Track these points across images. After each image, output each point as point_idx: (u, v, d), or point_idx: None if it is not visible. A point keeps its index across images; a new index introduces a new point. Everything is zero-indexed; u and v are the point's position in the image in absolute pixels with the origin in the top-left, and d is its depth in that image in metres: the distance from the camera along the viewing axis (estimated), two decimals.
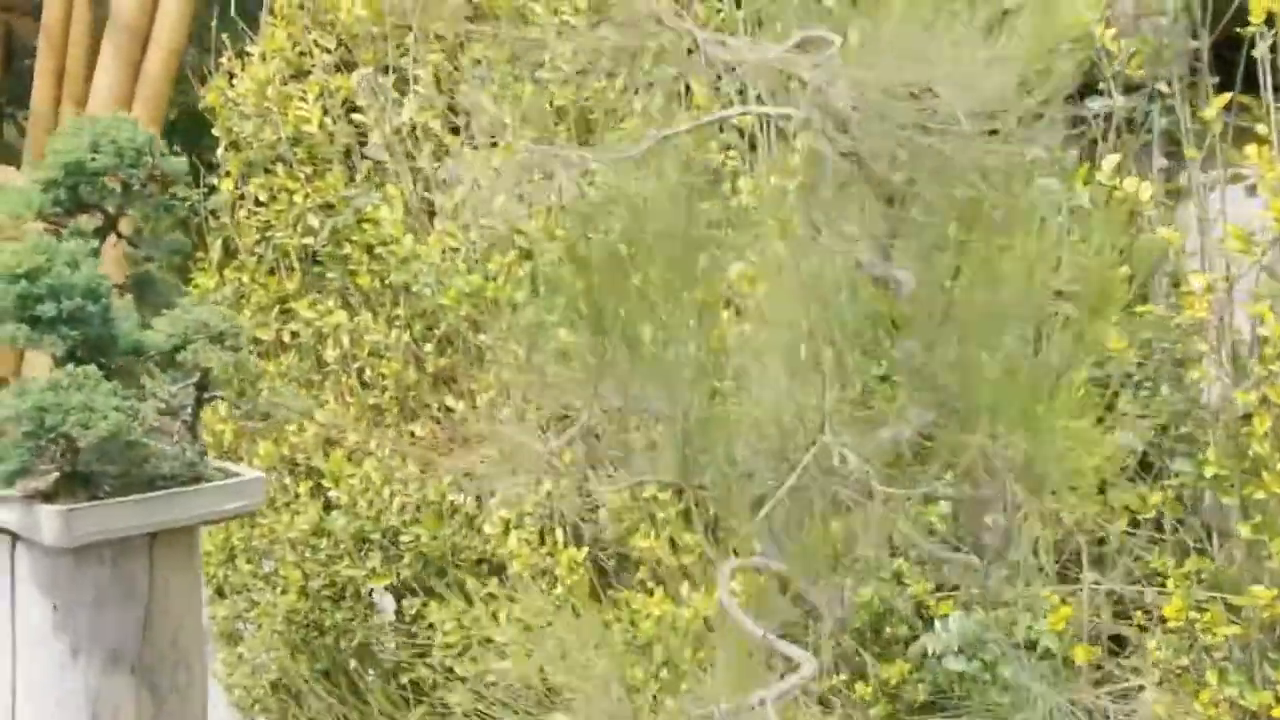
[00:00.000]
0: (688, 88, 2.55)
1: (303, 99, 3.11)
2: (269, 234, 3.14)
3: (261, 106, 3.13)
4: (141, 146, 2.20)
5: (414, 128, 2.85)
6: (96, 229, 2.34)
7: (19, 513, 2.04)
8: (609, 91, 2.62)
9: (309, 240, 3.00)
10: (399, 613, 2.92)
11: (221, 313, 2.03)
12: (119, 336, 2.07)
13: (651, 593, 2.51)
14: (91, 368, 1.91)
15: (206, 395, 2.20)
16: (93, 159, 2.17)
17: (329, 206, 3.02)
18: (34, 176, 2.18)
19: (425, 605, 2.84)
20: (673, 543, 2.49)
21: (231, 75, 3.28)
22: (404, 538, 2.83)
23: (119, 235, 2.31)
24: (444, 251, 2.77)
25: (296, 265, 3.06)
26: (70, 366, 1.89)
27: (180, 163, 2.29)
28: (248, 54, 3.27)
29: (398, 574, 2.87)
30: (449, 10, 2.80)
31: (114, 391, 1.90)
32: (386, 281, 2.86)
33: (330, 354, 2.91)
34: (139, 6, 5.50)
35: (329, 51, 2.99)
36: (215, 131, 3.26)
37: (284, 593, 3.08)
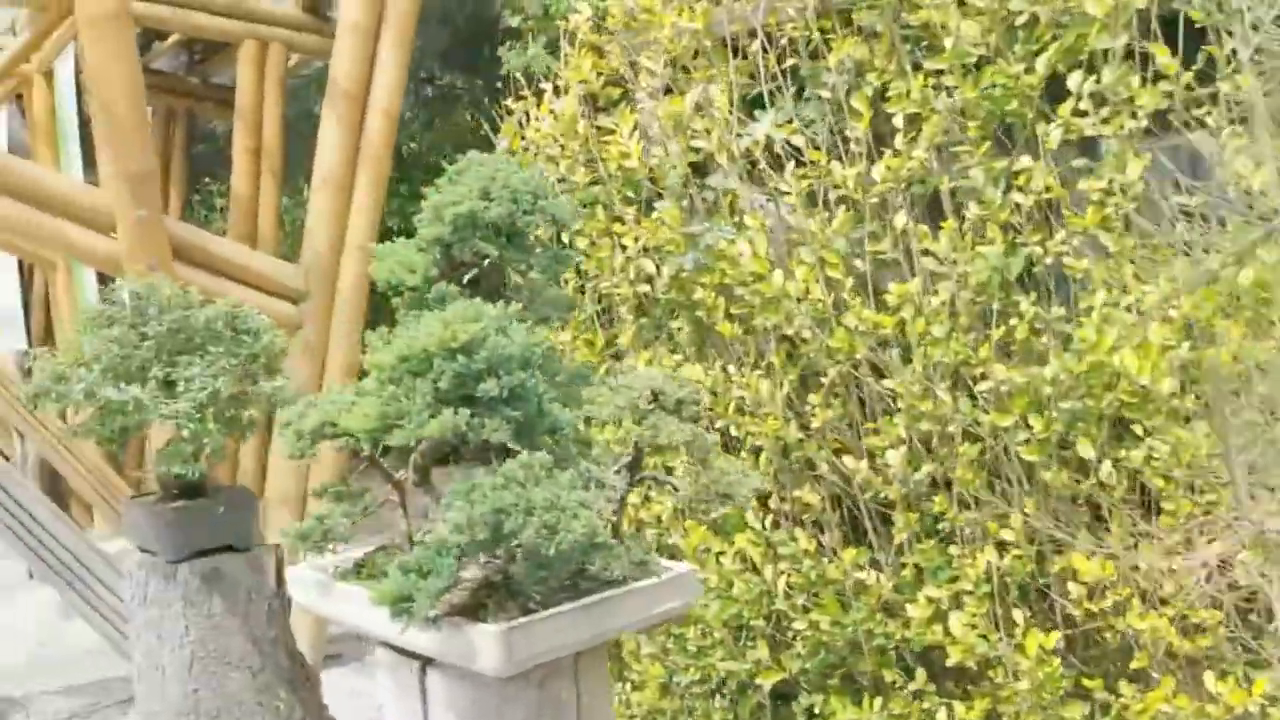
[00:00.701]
0: (1144, 59, 2.09)
1: (611, 132, 2.77)
2: (590, 283, 2.79)
3: (570, 146, 2.80)
4: (536, 189, 1.86)
5: (769, 146, 2.46)
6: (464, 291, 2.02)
7: (444, 634, 1.70)
8: (1029, 77, 2.17)
9: (645, 287, 2.63)
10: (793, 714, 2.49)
11: (675, 377, 1.65)
12: (545, 415, 1.72)
13: (1150, 685, 2.01)
14: (544, 455, 1.55)
15: (637, 477, 1.83)
16: (486, 207, 1.84)
17: (658, 248, 2.66)
18: (420, 234, 1.86)
19: (827, 703, 2.40)
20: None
21: (526, 116, 2.99)
22: (796, 624, 2.40)
23: (501, 296, 1.98)
24: (822, 284, 2.37)
25: (630, 316, 2.70)
26: (525, 455, 1.53)
27: (568, 206, 1.96)
28: (542, 90, 2.97)
29: (788, 668, 2.44)
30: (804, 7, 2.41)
31: (573, 484, 1.54)
32: (749, 326, 2.47)
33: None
34: (356, 72, 5.46)
35: (653, 74, 2.64)
36: None
37: (640, 689, 2.69)
